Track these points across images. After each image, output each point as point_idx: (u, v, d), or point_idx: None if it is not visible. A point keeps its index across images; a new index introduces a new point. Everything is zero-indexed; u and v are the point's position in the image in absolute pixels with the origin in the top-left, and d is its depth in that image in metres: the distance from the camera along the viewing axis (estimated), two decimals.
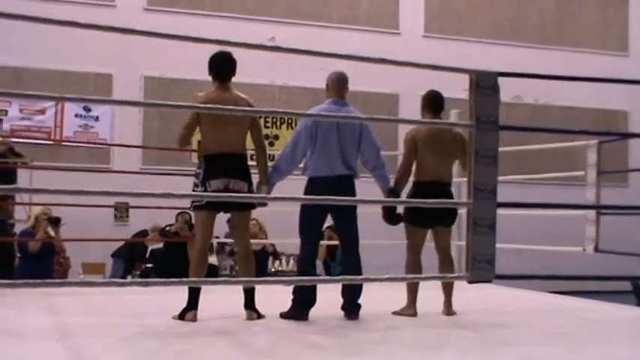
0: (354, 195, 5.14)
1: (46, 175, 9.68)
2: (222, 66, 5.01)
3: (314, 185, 5.13)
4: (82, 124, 12.40)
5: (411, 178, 5.43)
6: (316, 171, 5.14)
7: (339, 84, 5.29)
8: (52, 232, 8.41)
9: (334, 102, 5.21)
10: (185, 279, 4.78)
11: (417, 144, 5.29)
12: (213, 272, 9.02)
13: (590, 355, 4.02)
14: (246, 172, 4.98)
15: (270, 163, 5.26)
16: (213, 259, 9.16)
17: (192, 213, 7.81)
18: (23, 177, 9.59)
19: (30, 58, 11.98)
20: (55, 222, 8.44)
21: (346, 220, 5.23)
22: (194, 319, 4.85)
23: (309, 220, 5.19)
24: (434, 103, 5.44)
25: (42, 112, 12.16)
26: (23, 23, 3.38)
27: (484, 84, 3.56)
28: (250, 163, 5.04)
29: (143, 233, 10.44)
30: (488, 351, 4.13)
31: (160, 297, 5.92)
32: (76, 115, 12.34)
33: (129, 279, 9.48)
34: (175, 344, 4.12)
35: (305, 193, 5.14)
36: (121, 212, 12.04)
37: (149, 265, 9.79)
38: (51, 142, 12.10)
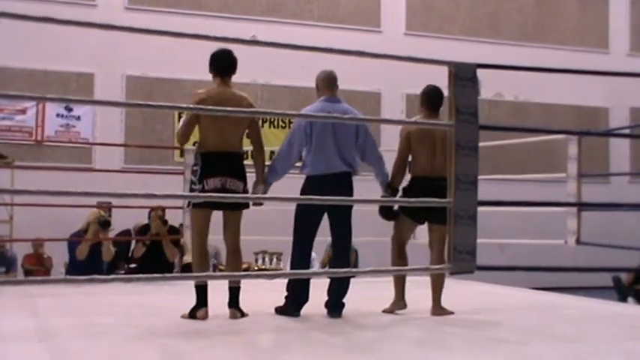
0: (352, 193, 5.13)
1: (28, 175, 9.64)
2: (224, 62, 5.01)
3: (312, 183, 5.10)
4: (63, 124, 12.31)
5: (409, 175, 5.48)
6: (314, 169, 5.12)
7: (329, 82, 5.30)
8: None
9: (327, 99, 5.22)
10: (167, 274, 4.79)
11: (411, 140, 5.32)
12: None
13: (574, 351, 4.02)
14: (242, 172, 4.99)
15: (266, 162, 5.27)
16: None
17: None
18: (4, 177, 9.54)
19: (10, 58, 11.87)
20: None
21: (341, 219, 5.21)
22: (205, 316, 4.83)
23: (305, 218, 5.15)
24: (431, 99, 5.42)
25: (23, 111, 12.06)
26: (3, 22, 3.35)
27: (463, 75, 3.57)
28: (245, 162, 5.05)
29: (126, 233, 10.38)
30: (484, 347, 4.12)
31: (144, 297, 5.89)
32: (58, 115, 12.26)
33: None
34: (170, 345, 4.11)
35: (302, 192, 5.11)
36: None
37: (133, 266, 9.72)
38: (32, 142, 12.02)
